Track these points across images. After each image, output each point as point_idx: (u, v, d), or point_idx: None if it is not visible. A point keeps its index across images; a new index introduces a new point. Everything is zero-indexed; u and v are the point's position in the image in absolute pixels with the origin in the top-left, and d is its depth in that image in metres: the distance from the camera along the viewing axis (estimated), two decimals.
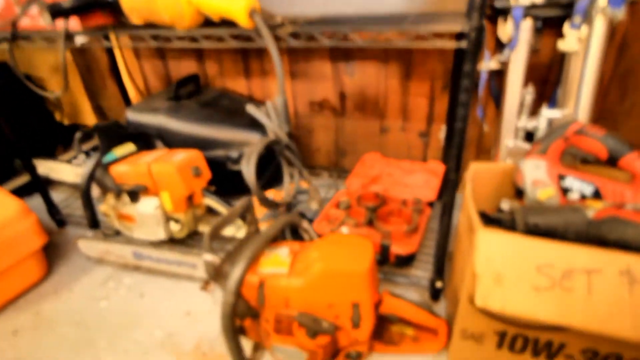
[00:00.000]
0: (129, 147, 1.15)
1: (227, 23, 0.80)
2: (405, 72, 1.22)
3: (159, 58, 1.51)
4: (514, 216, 0.66)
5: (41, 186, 1.24)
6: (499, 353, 0.70)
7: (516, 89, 0.88)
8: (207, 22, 0.85)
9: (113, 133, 1.15)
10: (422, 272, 0.94)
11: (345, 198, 1.10)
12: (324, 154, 1.47)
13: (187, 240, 1.11)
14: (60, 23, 0.86)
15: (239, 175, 1.20)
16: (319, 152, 1.47)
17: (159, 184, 1.02)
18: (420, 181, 1.19)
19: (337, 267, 0.69)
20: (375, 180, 1.20)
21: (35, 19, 0.94)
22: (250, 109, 0.88)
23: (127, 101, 1.56)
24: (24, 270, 1.03)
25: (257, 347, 0.83)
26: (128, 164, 1.04)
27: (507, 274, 0.56)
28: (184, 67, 1.49)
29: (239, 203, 0.78)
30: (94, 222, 1.05)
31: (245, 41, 0.81)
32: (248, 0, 0.74)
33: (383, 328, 0.82)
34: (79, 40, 0.88)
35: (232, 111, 1.24)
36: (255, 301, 0.73)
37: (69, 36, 0.89)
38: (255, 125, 1.21)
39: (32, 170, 1.22)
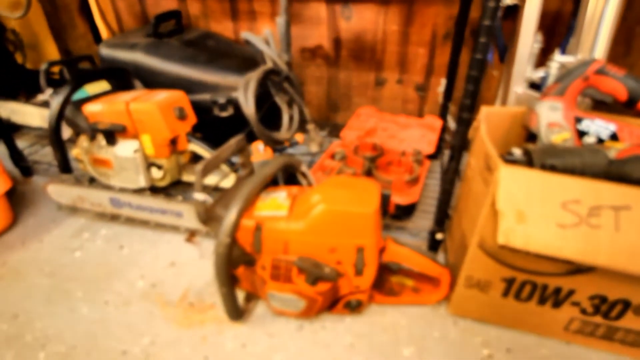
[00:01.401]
0: (102, 85, 1.04)
1: None
2: (406, 17, 1.14)
3: None
4: (531, 157, 0.63)
5: (2, 129, 1.11)
6: (503, 301, 0.68)
7: (530, 30, 0.83)
8: None
9: (86, 68, 1.04)
10: (419, 224, 0.91)
11: (340, 149, 1.04)
12: (314, 108, 1.39)
13: (170, 190, 1.03)
14: None
15: (226, 122, 1.12)
16: (310, 106, 1.39)
17: (138, 125, 0.92)
18: (417, 135, 1.14)
19: (342, 207, 0.63)
20: (370, 134, 1.14)
21: None
22: (247, 35, 0.79)
23: (98, 42, 1.41)
24: None
25: (250, 298, 0.78)
26: (103, 102, 0.93)
27: (531, 211, 0.52)
28: (163, 5, 1.35)
29: (233, 139, 0.71)
30: (65, 165, 0.94)
31: None
32: None
33: (382, 279, 0.79)
34: None
35: (220, 53, 1.14)
36: (251, 246, 0.67)
37: None
38: (245, 67, 1.11)
39: None
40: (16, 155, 1.15)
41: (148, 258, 0.90)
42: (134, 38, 1.12)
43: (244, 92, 0.70)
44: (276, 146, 0.76)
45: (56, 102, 0.89)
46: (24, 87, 1.59)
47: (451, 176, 0.75)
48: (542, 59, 0.93)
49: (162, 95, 0.94)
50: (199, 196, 0.65)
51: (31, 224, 1.02)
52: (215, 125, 1.09)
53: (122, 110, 0.91)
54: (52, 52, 1.59)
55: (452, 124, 1.23)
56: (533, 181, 0.54)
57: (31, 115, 1.20)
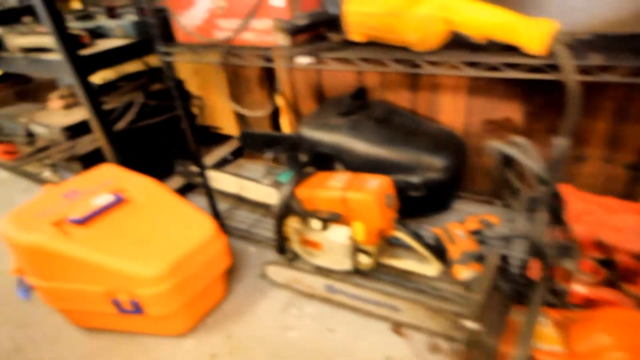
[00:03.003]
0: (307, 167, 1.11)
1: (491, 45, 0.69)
2: (625, 94, 1.03)
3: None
4: None
5: (211, 195, 1.25)
6: None
7: None
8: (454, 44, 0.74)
9: (297, 153, 1.12)
10: None
11: None
12: (492, 179, 1.33)
13: (371, 273, 1.04)
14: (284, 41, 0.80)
15: (416, 201, 1.12)
16: (485, 177, 1.33)
17: (352, 213, 0.95)
18: (633, 224, 1.01)
19: None
20: (577, 219, 1.04)
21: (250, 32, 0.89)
22: (500, 146, 0.76)
23: (274, 106, 1.53)
24: (212, 290, 1.03)
25: None
26: (316, 187, 0.98)
27: None
28: (339, 76, 1.41)
29: (489, 266, 0.68)
30: (282, 248, 1.02)
31: (526, 72, 0.68)
32: (549, 23, 0.62)
33: None
34: (303, 61, 0.81)
35: (411, 131, 1.15)
36: None
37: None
38: (440, 147, 1.10)
39: (205, 177, 1.22)
40: (219, 219, 1.27)
41: (362, 349, 0.91)
42: (328, 118, 1.18)
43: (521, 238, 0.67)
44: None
45: (285, 192, 0.96)
46: (203, 143, 1.80)
47: None
48: None
49: (374, 184, 0.96)
50: (472, 325, 0.63)
51: (240, 292, 1.10)
52: (404, 204, 1.09)
53: (337, 198, 0.95)
54: (226, 113, 1.76)
55: None
56: None
57: (229, 183, 1.32)
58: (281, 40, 0.76)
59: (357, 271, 1.02)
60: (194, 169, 1.44)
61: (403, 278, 1.03)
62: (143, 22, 1.27)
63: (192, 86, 1.78)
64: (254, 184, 1.26)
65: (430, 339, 0.91)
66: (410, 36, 0.73)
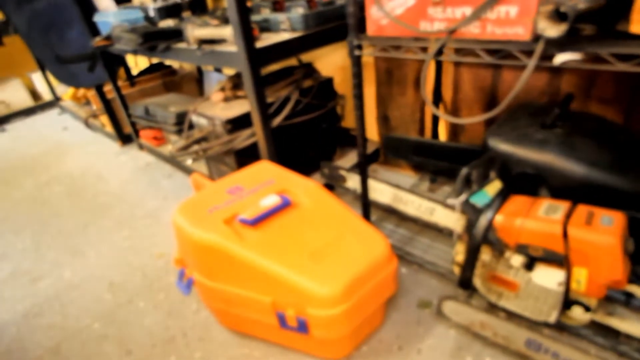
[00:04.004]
0: (496, 185, 0.92)
1: None
2: None
3: (485, 66, 1.25)
4: None
5: (367, 205, 1.13)
6: None
7: None
8: None
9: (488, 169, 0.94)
10: None
11: None
12: None
13: (575, 330, 0.82)
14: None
15: None
16: None
17: (575, 255, 0.74)
18: None
19: None
20: None
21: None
22: None
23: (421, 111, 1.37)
24: (373, 316, 0.90)
25: None
26: (523, 216, 0.79)
27: None
28: (531, 83, 1.18)
29: None
30: (467, 282, 0.84)
31: None
32: None
33: None
34: (562, 58, 0.63)
35: None
36: None
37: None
38: None
39: (365, 185, 1.11)
40: None
41: None
42: (526, 128, 0.96)
43: None
44: None
45: (486, 218, 0.79)
46: (339, 144, 1.71)
47: None
48: None
49: (610, 222, 0.73)
50: None
51: (397, 321, 0.96)
52: None
53: (556, 234, 0.74)
54: (368, 114, 1.64)
55: None
56: None
57: (383, 193, 1.19)
58: (550, 30, 0.59)
59: (560, 325, 0.81)
60: (342, 172, 1.34)
61: (625, 344, 0.78)
62: (312, 15, 1.20)
63: (336, 82, 1.70)
64: (415, 197, 1.11)
65: None
66: None
